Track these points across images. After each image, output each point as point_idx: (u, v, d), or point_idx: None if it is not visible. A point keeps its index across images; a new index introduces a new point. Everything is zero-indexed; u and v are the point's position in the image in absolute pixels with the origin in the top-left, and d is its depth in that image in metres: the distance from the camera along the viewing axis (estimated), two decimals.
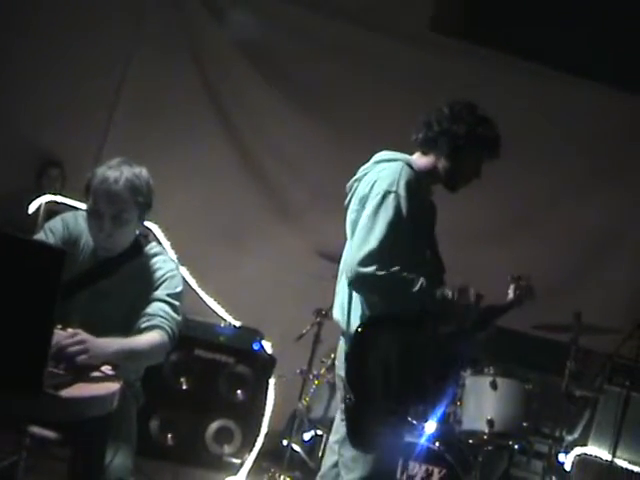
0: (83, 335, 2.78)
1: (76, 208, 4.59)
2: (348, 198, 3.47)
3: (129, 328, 3.13)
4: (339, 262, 3.52)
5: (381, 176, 3.28)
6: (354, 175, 3.48)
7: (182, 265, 4.50)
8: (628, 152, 6.59)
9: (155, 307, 3.20)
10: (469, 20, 6.64)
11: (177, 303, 3.27)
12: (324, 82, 6.26)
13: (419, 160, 3.42)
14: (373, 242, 3.13)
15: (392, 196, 3.19)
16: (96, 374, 2.79)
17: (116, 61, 6.06)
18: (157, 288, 3.25)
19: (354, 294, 3.31)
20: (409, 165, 3.33)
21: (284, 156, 6.31)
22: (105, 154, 5.83)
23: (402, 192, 3.21)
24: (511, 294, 3.74)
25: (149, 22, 6.08)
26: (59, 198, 5.21)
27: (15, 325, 2.26)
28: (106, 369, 2.88)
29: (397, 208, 3.18)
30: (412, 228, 3.23)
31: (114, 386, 2.75)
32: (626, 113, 6.54)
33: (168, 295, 3.25)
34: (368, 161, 3.46)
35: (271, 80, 6.28)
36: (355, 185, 3.45)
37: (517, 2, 6.54)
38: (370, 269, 3.10)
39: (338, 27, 6.24)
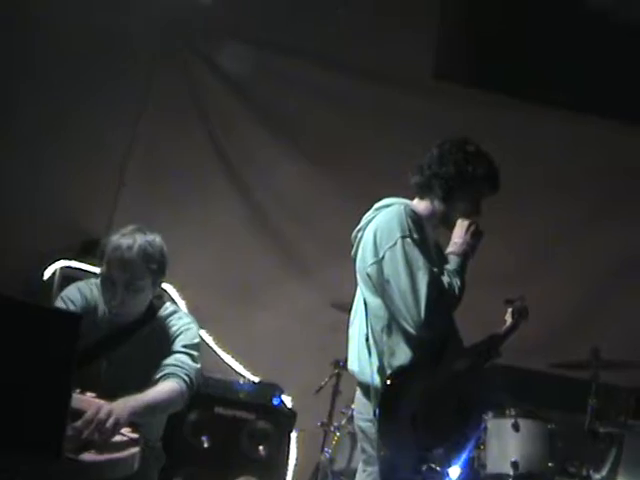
0: (105, 407, 2.80)
1: (92, 273, 4.66)
2: (354, 248, 3.49)
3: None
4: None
5: (382, 222, 3.30)
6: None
7: (198, 323, 4.54)
8: (637, 187, 6.60)
9: (171, 358, 3.25)
10: (472, 66, 6.70)
11: (194, 353, 3.31)
12: (330, 135, 6.30)
13: (418, 205, 3.44)
14: (423, 300, 3.13)
15: (408, 240, 3.20)
16: (116, 437, 2.81)
17: (124, 124, 6.12)
18: (173, 343, 3.28)
19: (371, 345, 3.30)
20: (408, 207, 3.34)
21: (294, 210, 6.34)
22: (117, 217, 5.91)
23: (415, 234, 3.23)
24: (509, 318, 3.74)
25: (157, 84, 6.13)
26: (74, 263, 5.26)
27: (34, 391, 2.29)
28: (126, 431, 2.90)
29: (419, 248, 3.20)
30: (433, 264, 3.26)
31: (134, 448, 2.77)
32: (634, 144, 6.58)
33: (184, 346, 3.29)
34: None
35: (278, 135, 6.33)
36: (359, 235, 3.46)
37: (517, 44, 6.58)
38: (435, 323, 3.15)
39: (341, 79, 6.30)
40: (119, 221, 5.91)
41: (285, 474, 5.18)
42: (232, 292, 6.11)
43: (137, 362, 3.26)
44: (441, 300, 3.19)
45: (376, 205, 3.48)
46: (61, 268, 5.24)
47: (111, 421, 2.76)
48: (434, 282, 3.17)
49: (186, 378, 3.20)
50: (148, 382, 3.18)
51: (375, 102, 6.36)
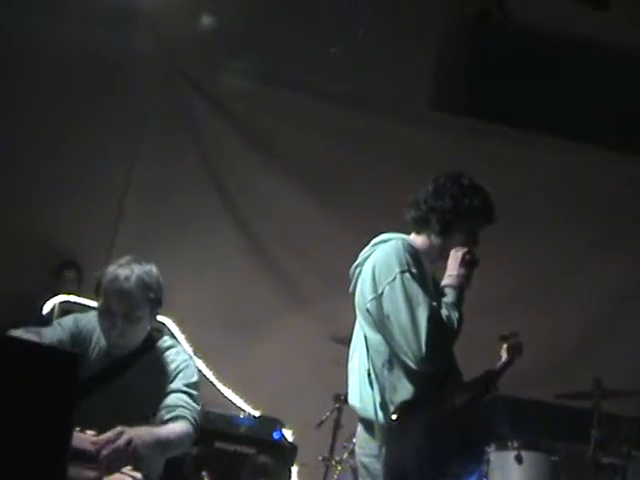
0: (125, 435, 2.82)
1: (91, 307, 4.64)
2: (352, 284, 3.47)
3: (147, 424, 3.13)
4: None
5: (384, 256, 3.27)
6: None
7: (197, 357, 4.52)
8: (635, 215, 6.61)
9: (174, 398, 3.21)
10: (469, 97, 6.74)
11: (195, 392, 3.28)
12: (330, 166, 6.35)
13: (415, 240, 3.41)
14: (423, 335, 3.11)
15: (407, 275, 3.18)
16: (116, 476, 2.78)
17: (123, 156, 6.17)
18: (173, 380, 3.25)
19: (373, 380, 3.29)
20: (404, 240, 3.33)
21: (293, 242, 6.36)
22: (116, 250, 5.91)
23: (413, 268, 3.21)
24: (504, 354, 3.72)
25: (154, 115, 6.19)
26: (73, 298, 5.25)
27: (33, 432, 2.25)
28: (127, 469, 2.87)
29: (418, 283, 3.18)
30: (434, 293, 3.25)
31: None
32: (631, 175, 6.59)
33: (186, 385, 3.26)
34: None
35: (275, 167, 6.38)
36: (358, 270, 3.44)
37: (514, 75, 6.63)
38: (436, 358, 3.14)
39: (339, 111, 6.34)
40: (118, 252, 5.92)
41: None
42: (231, 325, 6.10)
43: (133, 395, 3.23)
44: (441, 334, 3.18)
45: (374, 241, 3.47)
46: (60, 302, 5.22)
47: (130, 449, 2.78)
48: (434, 316, 3.15)
49: (193, 420, 3.18)
50: (144, 415, 3.16)
51: (374, 134, 6.40)
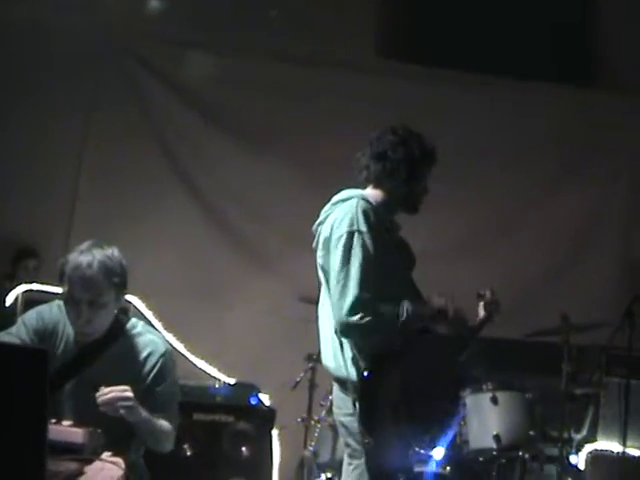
0: (130, 394, 3.01)
1: (54, 294, 4.60)
2: (315, 242, 3.49)
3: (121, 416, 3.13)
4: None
5: (339, 217, 3.31)
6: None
7: (167, 331, 4.50)
8: (590, 146, 6.66)
9: (158, 401, 3.25)
10: (414, 41, 6.69)
11: (176, 389, 3.38)
12: (281, 126, 6.30)
13: (373, 194, 3.43)
14: (353, 290, 3.17)
15: (355, 235, 3.23)
16: (97, 463, 2.78)
17: (72, 137, 6.08)
18: (150, 381, 3.26)
19: (344, 340, 3.31)
20: (365, 199, 3.35)
21: (251, 207, 6.33)
22: (74, 233, 5.86)
23: (363, 228, 3.25)
24: (482, 312, 3.76)
25: (101, 96, 6.10)
26: (35, 286, 5.18)
27: (8, 432, 2.24)
28: (107, 455, 2.87)
29: (364, 246, 3.22)
30: (384, 261, 3.27)
31: (118, 472, 2.74)
32: (582, 107, 6.63)
33: (165, 388, 3.29)
34: (329, 202, 3.49)
35: (228, 133, 6.32)
36: (320, 229, 3.46)
37: (457, 17, 6.59)
38: (357, 317, 3.15)
39: (284, 69, 6.28)
40: (76, 236, 5.87)
41: (271, 472, 5.18)
42: (198, 295, 6.09)
43: (106, 382, 3.21)
44: (373, 290, 3.20)
45: (334, 199, 3.48)
46: (23, 292, 5.15)
47: (122, 404, 2.99)
48: (366, 283, 3.18)
49: (175, 425, 3.31)
50: None
51: (321, 88, 6.35)
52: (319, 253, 3.39)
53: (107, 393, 3.00)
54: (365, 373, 3.22)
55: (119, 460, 2.86)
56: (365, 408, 3.20)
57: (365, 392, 3.21)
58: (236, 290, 6.21)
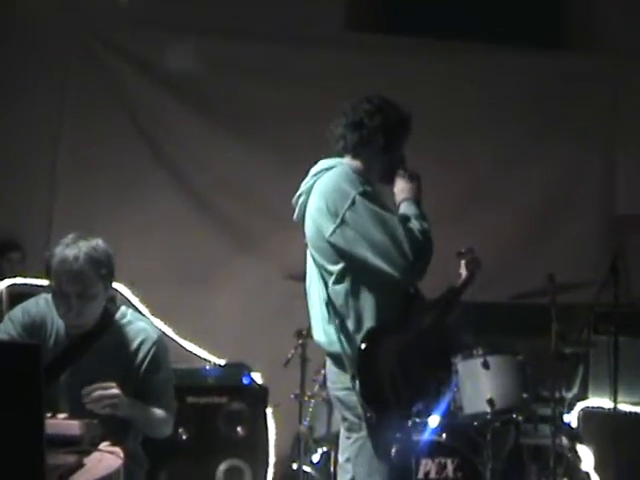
0: (116, 390, 3.03)
1: (39, 287, 4.57)
2: (297, 213, 3.45)
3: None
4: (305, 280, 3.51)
5: (332, 184, 3.26)
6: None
7: (154, 316, 4.48)
8: (565, 107, 6.67)
9: (154, 393, 3.27)
10: (382, 12, 6.66)
11: (171, 378, 3.39)
12: (257, 106, 6.25)
13: (352, 164, 3.38)
14: (402, 234, 3.16)
15: (366, 195, 3.20)
16: (96, 454, 2.77)
17: (46, 128, 6.01)
18: (145, 370, 3.26)
19: (332, 311, 3.27)
20: (349, 166, 3.34)
21: (232, 188, 6.29)
22: (55, 225, 5.83)
23: (367, 187, 3.23)
24: (464, 271, 3.76)
25: (73, 85, 6.05)
26: (20, 280, 5.14)
27: (6, 429, 2.22)
28: (104, 445, 2.87)
29: (377, 201, 3.22)
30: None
31: (117, 462, 2.73)
32: (555, 70, 6.63)
33: (160, 374, 3.29)
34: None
35: (201, 115, 6.27)
36: (302, 200, 3.40)
37: None
38: (422, 266, 3.21)
39: (255, 49, 6.23)
40: (58, 226, 5.84)
41: (267, 450, 5.18)
42: (183, 279, 6.08)
43: (100, 375, 3.20)
44: (419, 242, 3.20)
45: (313, 170, 3.42)
46: (7, 287, 5.11)
47: (110, 401, 3.01)
48: (406, 227, 3.20)
49: (172, 410, 3.34)
50: None
51: (292, 65, 6.31)
52: (313, 227, 3.31)
53: (92, 391, 3.02)
54: (362, 346, 3.20)
55: (117, 450, 2.85)
56: (364, 381, 3.19)
57: (363, 365, 3.19)
58: (222, 272, 6.20)
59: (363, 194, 3.19)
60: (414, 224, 3.24)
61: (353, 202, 3.18)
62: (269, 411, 5.21)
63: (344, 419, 3.40)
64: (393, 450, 3.25)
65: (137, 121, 6.16)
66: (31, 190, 6.03)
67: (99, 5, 6.05)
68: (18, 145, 5.94)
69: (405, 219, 3.27)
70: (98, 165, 6.09)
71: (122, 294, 5.12)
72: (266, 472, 5.20)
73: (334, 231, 3.22)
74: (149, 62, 6.17)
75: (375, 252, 3.16)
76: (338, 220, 3.20)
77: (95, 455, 2.76)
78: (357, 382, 3.19)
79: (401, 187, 3.41)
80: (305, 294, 3.54)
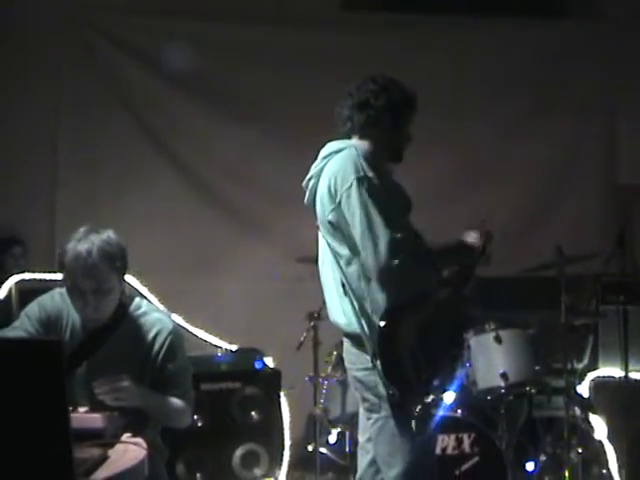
0: (126, 383, 3.04)
1: (47, 281, 4.56)
2: (308, 197, 3.45)
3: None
4: (315, 263, 3.50)
5: (340, 167, 3.26)
6: (306, 173, 3.46)
7: (164, 305, 4.48)
8: (565, 76, 6.64)
9: (172, 382, 3.27)
10: None
11: (189, 367, 3.39)
12: (254, 91, 6.22)
13: (361, 145, 3.38)
14: (383, 233, 3.12)
15: (365, 181, 3.18)
16: (119, 446, 2.77)
17: (46, 121, 6.00)
18: (161, 360, 3.25)
19: (349, 292, 3.27)
20: (357, 148, 3.32)
21: (236, 173, 6.27)
22: (58, 219, 5.83)
23: (370, 173, 3.21)
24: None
25: (72, 77, 6.02)
26: (28, 275, 5.13)
27: (33, 424, 2.22)
28: (127, 437, 2.87)
29: (375, 189, 3.19)
30: (392, 203, 3.26)
31: (141, 453, 2.73)
32: (554, 42, 6.60)
33: (176, 364, 3.29)
34: (317, 157, 3.44)
35: (200, 101, 6.23)
36: (312, 183, 3.41)
37: None
38: (396, 260, 3.12)
39: (251, 33, 6.20)
40: (61, 220, 5.83)
41: (283, 434, 5.19)
42: (191, 266, 6.08)
43: (118, 367, 3.20)
44: (398, 243, 3.16)
45: (323, 152, 3.42)
46: (16, 283, 5.10)
47: (119, 395, 3.01)
48: (393, 222, 3.16)
49: (191, 400, 3.35)
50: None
51: (291, 47, 6.27)
52: (327, 208, 3.30)
53: (102, 384, 3.02)
54: (382, 323, 3.19)
55: (140, 440, 2.85)
56: (386, 360, 3.18)
57: (383, 344, 3.19)
58: (229, 257, 6.19)
59: (360, 180, 3.19)
60: (415, 262, 3.22)
61: (350, 186, 3.20)
62: (283, 395, 5.22)
63: (364, 400, 3.40)
64: (414, 427, 3.26)
65: (136, 111, 6.13)
66: (32, 184, 6.02)
67: None
68: (18, 140, 5.92)
69: (423, 252, 3.31)
70: (99, 156, 6.09)
71: (131, 284, 5.12)
72: (282, 455, 5.22)
73: (332, 211, 3.28)
74: (147, 51, 6.13)
75: (359, 240, 3.19)
76: (336, 202, 3.24)
77: (119, 447, 2.75)
78: (378, 361, 3.19)
79: (470, 236, 3.52)
80: (314, 276, 3.55)
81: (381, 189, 3.22)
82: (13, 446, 2.19)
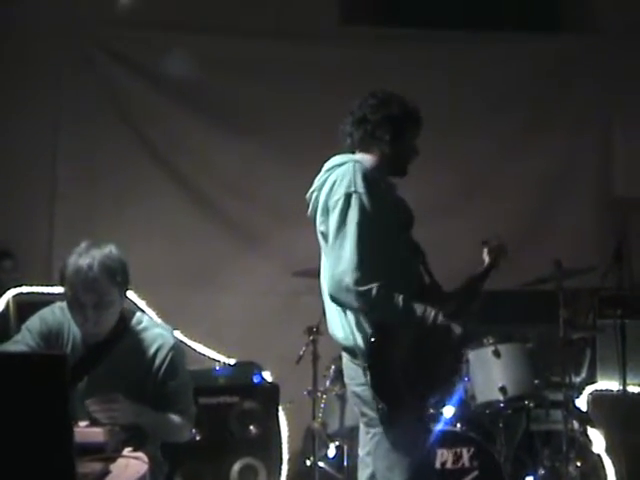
0: (117, 404, 3.00)
1: (44, 294, 4.56)
2: (310, 210, 3.45)
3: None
4: (315, 276, 3.51)
5: (336, 180, 3.26)
6: (308, 187, 3.47)
7: (162, 319, 4.48)
8: (558, 92, 6.67)
9: (173, 398, 3.26)
10: (377, 5, 6.66)
11: (189, 383, 3.39)
12: (254, 104, 6.25)
13: (363, 159, 3.38)
14: (349, 252, 3.11)
15: (354, 197, 3.17)
16: (121, 461, 2.77)
17: (45, 134, 6.01)
18: (162, 376, 3.25)
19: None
20: (359, 162, 3.31)
21: (234, 187, 6.29)
22: (57, 233, 5.83)
23: (361, 189, 3.19)
24: (486, 258, 3.75)
25: (70, 91, 6.05)
26: (24, 289, 5.12)
27: (36, 438, 2.22)
28: (127, 452, 2.86)
29: (362, 207, 3.17)
30: (384, 221, 3.23)
31: (143, 467, 2.73)
32: (550, 55, 6.65)
33: (178, 380, 3.28)
34: (321, 170, 3.44)
35: (199, 115, 6.26)
36: (315, 195, 3.41)
37: None
38: (351, 280, 3.08)
39: (250, 46, 6.23)
40: (59, 232, 5.83)
41: (280, 448, 5.19)
42: (190, 280, 6.09)
43: (118, 382, 3.20)
44: (370, 256, 3.13)
45: (327, 165, 3.42)
46: (13, 297, 5.09)
47: (118, 402, 3.00)
48: (364, 246, 3.13)
49: (193, 419, 3.36)
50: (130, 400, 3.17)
51: (288, 61, 6.30)
52: (319, 220, 3.33)
53: (95, 404, 3.01)
54: (372, 339, 3.19)
55: (142, 455, 2.85)
56: (375, 374, 3.17)
57: (374, 358, 3.18)
58: (227, 271, 6.20)
59: (348, 195, 3.18)
60: (396, 298, 3.16)
61: (337, 199, 3.21)
62: (281, 409, 5.21)
63: (362, 414, 3.40)
64: (411, 442, 3.26)
65: (135, 124, 6.16)
66: (30, 197, 6.03)
67: (95, 10, 6.04)
68: (17, 152, 5.95)
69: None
70: (98, 170, 6.11)
71: (129, 299, 5.11)
72: (280, 469, 5.20)
73: (321, 223, 3.31)
74: (147, 65, 6.16)
75: (329, 248, 3.21)
76: (326, 214, 3.27)
77: (121, 461, 2.76)
78: (368, 374, 3.19)
79: (486, 261, 3.58)
80: (311, 290, 3.56)
81: (373, 206, 3.20)
82: (16, 460, 2.19)
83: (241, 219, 6.29)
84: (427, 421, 3.36)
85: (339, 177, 3.27)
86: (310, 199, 3.46)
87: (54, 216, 5.99)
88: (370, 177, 3.27)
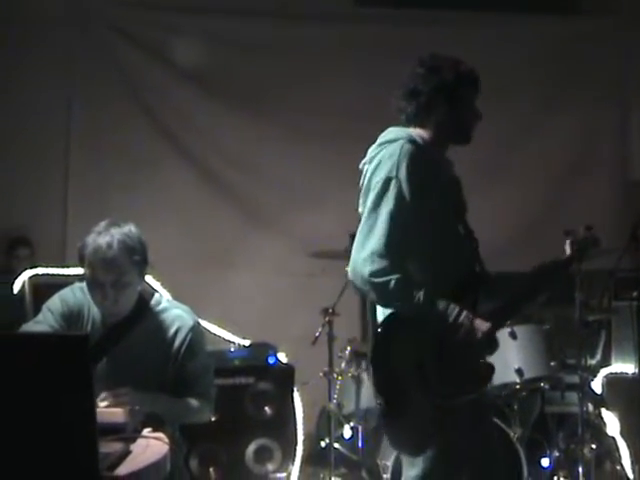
0: (126, 398, 2.96)
1: (60, 275, 4.56)
2: (361, 182, 3.23)
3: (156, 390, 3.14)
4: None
5: (383, 159, 3.08)
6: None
7: (175, 299, 4.49)
8: (579, 71, 6.63)
9: (193, 380, 3.26)
10: None
11: (210, 364, 3.39)
12: (267, 85, 6.24)
13: (419, 134, 3.15)
14: (376, 240, 2.97)
15: (392, 183, 3.00)
16: (141, 441, 2.76)
17: (57, 117, 6.00)
18: (181, 357, 3.24)
19: None
20: (412, 141, 3.09)
21: (246, 166, 6.29)
22: (71, 212, 5.81)
23: (403, 175, 3.00)
24: (568, 249, 3.67)
25: (82, 71, 6.05)
26: (41, 270, 5.12)
27: (59, 419, 2.22)
28: (147, 432, 2.86)
29: (399, 194, 2.99)
30: (430, 206, 3.06)
31: (164, 448, 2.72)
32: (567, 36, 6.61)
33: (197, 362, 3.28)
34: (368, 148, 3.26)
35: (211, 94, 6.26)
36: (366, 168, 3.21)
37: None
38: (371, 270, 2.94)
39: (263, 27, 6.22)
40: (73, 213, 5.83)
41: (296, 429, 5.18)
42: (203, 261, 6.08)
43: (138, 362, 3.20)
44: (398, 248, 2.97)
45: (380, 139, 3.21)
46: (29, 278, 5.09)
47: (126, 393, 2.98)
48: (394, 235, 2.96)
49: (213, 402, 3.37)
50: (152, 382, 3.18)
51: (301, 41, 6.27)
52: (362, 198, 3.17)
53: (104, 400, 2.98)
54: (379, 330, 3.09)
55: (162, 435, 2.84)
56: (377, 367, 3.06)
57: (376, 352, 3.06)
58: (241, 252, 6.20)
59: (388, 180, 3.01)
60: (415, 295, 2.98)
61: (377, 181, 3.05)
62: (296, 390, 5.21)
63: None
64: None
65: (147, 104, 6.16)
66: (42, 183, 6.03)
67: None
68: (30, 138, 5.93)
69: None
70: (110, 150, 6.10)
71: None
72: (295, 450, 5.20)
73: (362, 202, 3.16)
74: (157, 45, 6.15)
75: (358, 231, 3.08)
76: (367, 192, 3.12)
77: (141, 441, 2.75)
78: (370, 367, 3.10)
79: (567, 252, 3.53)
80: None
81: (413, 193, 3.01)
82: (39, 440, 2.19)
83: (253, 199, 6.30)
84: (454, 414, 3.07)
85: (385, 157, 3.08)
86: (362, 171, 3.25)
87: (67, 197, 5.99)
88: (421, 159, 3.06)
